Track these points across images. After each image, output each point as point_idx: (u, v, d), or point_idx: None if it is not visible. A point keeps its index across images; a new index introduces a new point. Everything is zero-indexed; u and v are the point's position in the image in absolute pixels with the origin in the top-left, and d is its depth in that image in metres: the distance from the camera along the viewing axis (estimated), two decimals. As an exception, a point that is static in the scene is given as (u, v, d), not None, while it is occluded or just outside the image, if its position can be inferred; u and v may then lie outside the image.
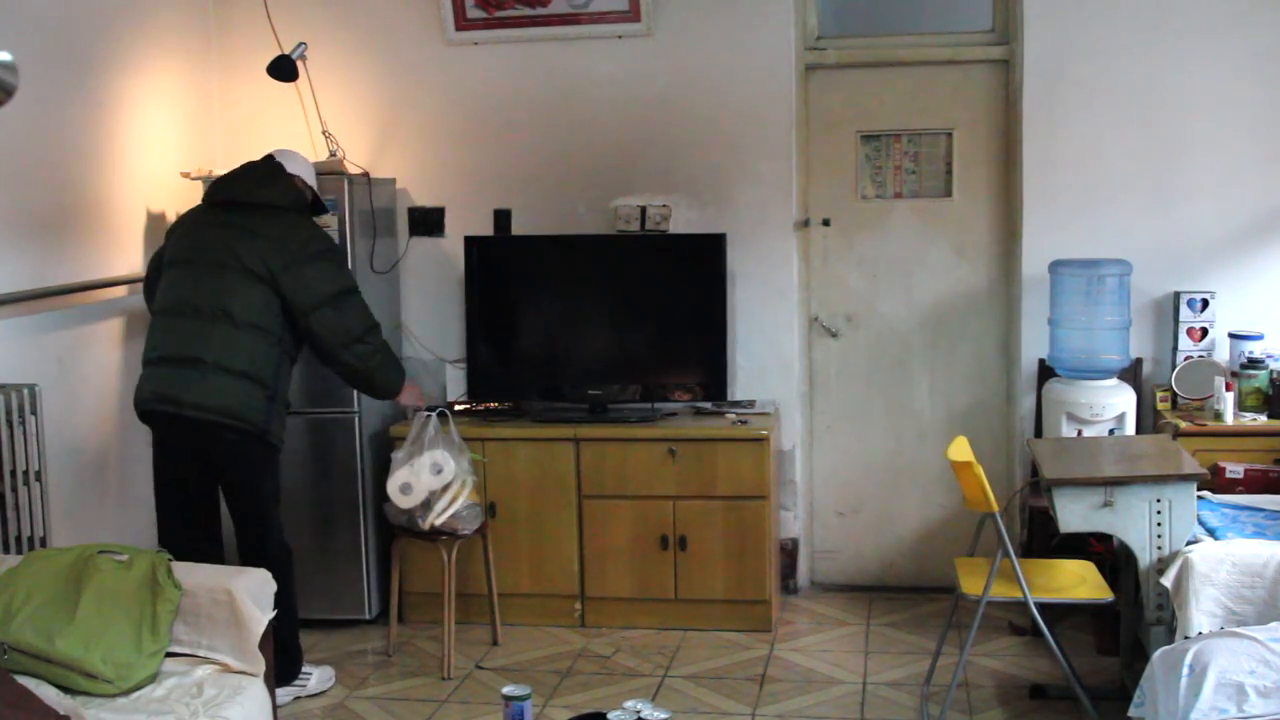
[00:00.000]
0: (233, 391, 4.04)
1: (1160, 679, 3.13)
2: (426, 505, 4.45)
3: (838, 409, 5.37)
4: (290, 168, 4.36)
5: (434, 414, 4.52)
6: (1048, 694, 4.16)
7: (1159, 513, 3.66)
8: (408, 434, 4.61)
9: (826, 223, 5.26)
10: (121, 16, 4.75)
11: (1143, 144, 4.90)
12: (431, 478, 4.41)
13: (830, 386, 5.37)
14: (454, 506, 4.44)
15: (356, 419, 4.89)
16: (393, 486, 4.45)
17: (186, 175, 4.94)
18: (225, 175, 4.41)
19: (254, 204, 4.21)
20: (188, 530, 4.21)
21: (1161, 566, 3.63)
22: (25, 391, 3.94)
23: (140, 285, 4.74)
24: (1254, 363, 4.65)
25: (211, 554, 4.24)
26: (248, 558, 4.16)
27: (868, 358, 5.33)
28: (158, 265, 4.37)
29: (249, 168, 4.38)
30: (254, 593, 3.42)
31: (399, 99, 5.32)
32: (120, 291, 4.65)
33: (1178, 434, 4.44)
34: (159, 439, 4.21)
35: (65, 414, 4.31)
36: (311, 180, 4.45)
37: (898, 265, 5.26)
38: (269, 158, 4.39)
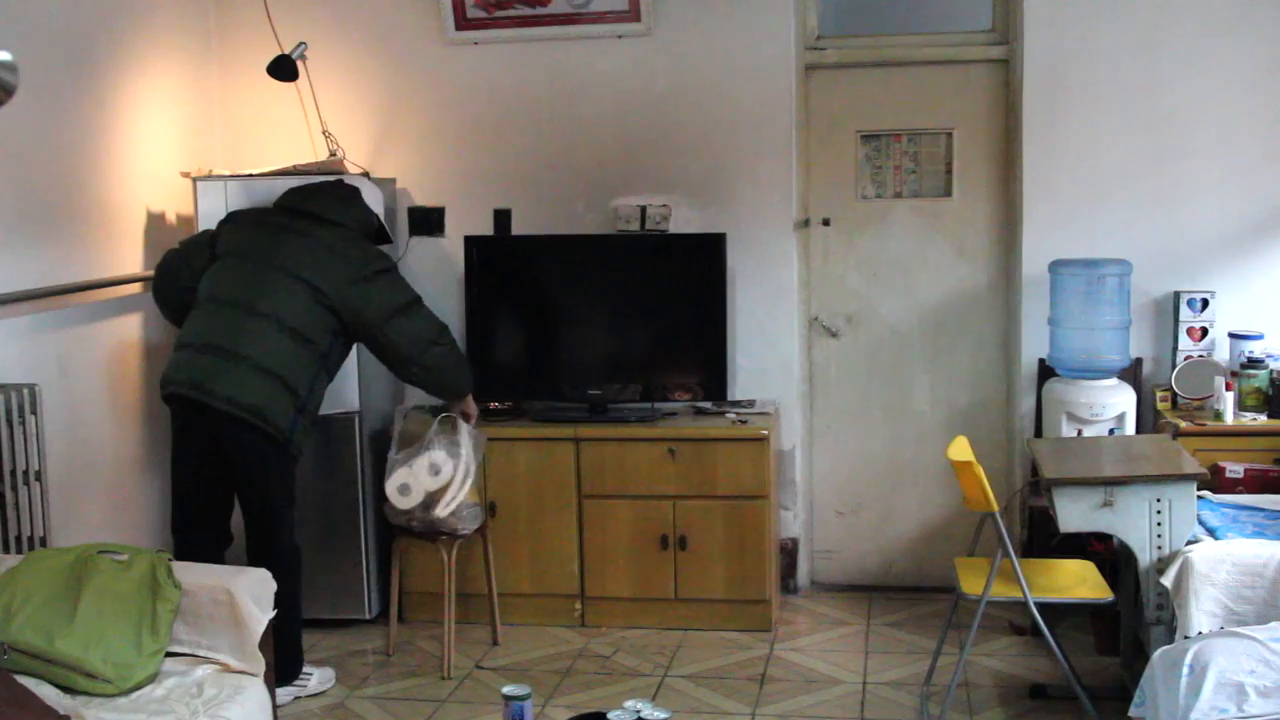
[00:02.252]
0: (263, 392, 4.04)
1: (1160, 679, 3.13)
2: (426, 506, 4.46)
3: (838, 409, 5.37)
4: (364, 195, 4.46)
5: (436, 417, 4.54)
6: (1048, 694, 4.16)
7: (1159, 513, 3.66)
8: (396, 436, 4.63)
9: (826, 222, 5.26)
10: (121, 16, 4.75)
11: (1143, 144, 4.90)
12: (429, 479, 4.42)
13: (830, 386, 5.37)
14: (454, 502, 4.43)
15: (357, 419, 4.89)
16: (391, 488, 4.46)
17: (187, 175, 4.94)
18: (304, 187, 4.45)
19: (326, 220, 4.27)
20: (199, 516, 4.22)
21: (1161, 566, 3.63)
22: (25, 391, 3.94)
23: (136, 282, 4.75)
24: (1254, 362, 4.65)
25: (219, 540, 4.26)
26: (255, 555, 4.16)
27: (868, 358, 5.33)
28: (193, 253, 4.35)
29: (330, 186, 4.45)
30: (254, 592, 3.42)
31: (399, 99, 5.32)
32: (120, 291, 4.65)
33: (1178, 434, 4.44)
34: (182, 423, 4.19)
35: (65, 414, 4.30)
36: (380, 210, 4.53)
37: (898, 265, 5.26)
38: (344, 182, 4.49)
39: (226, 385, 4.03)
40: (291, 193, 4.43)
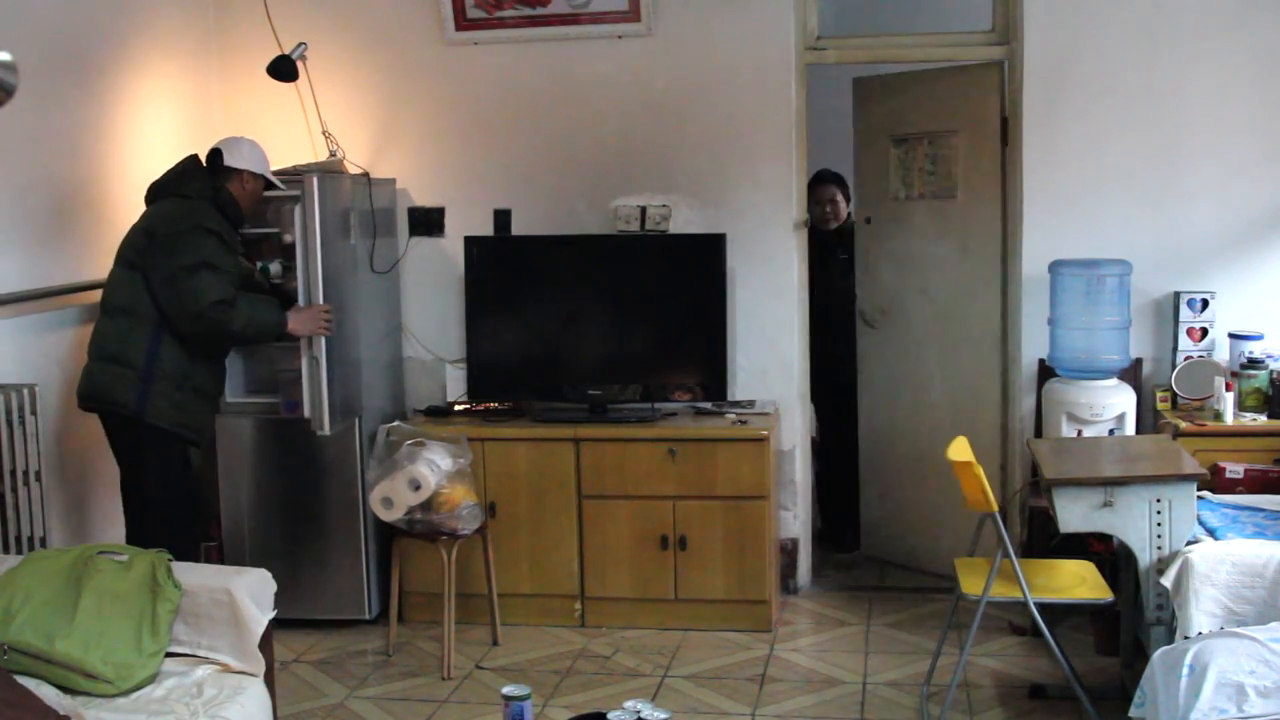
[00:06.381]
0: (100, 378, 4.14)
1: (1160, 679, 3.13)
2: (424, 506, 4.49)
3: (838, 409, 5.38)
4: (229, 159, 4.36)
5: (409, 440, 4.58)
6: (1048, 694, 4.16)
7: (1159, 513, 3.66)
8: (374, 450, 4.65)
9: (868, 220, 5.25)
10: (122, 17, 4.75)
11: (1143, 144, 4.90)
12: (410, 493, 4.44)
13: (830, 386, 5.37)
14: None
15: (357, 419, 4.88)
16: (374, 501, 4.50)
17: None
18: (166, 175, 4.42)
19: (166, 197, 4.29)
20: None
21: (1161, 566, 3.63)
22: (25, 391, 3.94)
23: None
24: (1254, 363, 4.65)
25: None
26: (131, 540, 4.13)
27: (868, 358, 5.34)
28: None
29: (177, 167, 4.39)
30: (254, 593, 3.42)
31: (399, 99, 5.32)
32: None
33: (1178, 434, 4.44)
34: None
35: (65, 414, 4.31)
36: (255, 166, 4.40)
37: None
38: (215, 151, 4.40)
39: (84, 386, 4.18)
40: (154, 184, 4.41)
